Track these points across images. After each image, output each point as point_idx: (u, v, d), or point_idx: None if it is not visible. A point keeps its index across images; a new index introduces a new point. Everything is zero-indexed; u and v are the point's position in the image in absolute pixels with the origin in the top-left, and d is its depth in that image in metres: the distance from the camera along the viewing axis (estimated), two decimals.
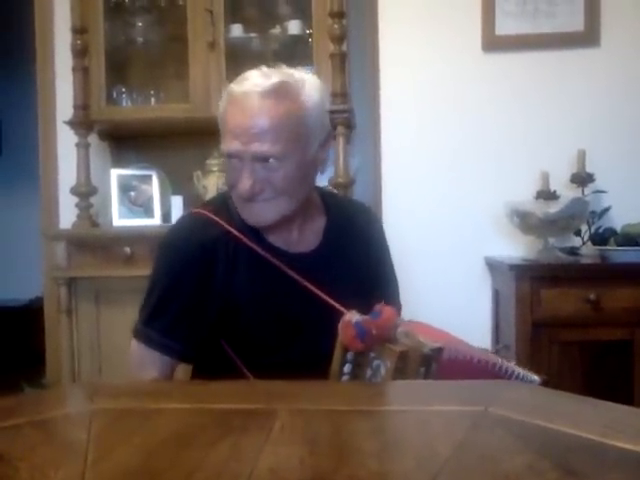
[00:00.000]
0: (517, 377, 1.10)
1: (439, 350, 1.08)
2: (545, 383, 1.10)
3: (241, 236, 1.26)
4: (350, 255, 1.35)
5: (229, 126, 1.19)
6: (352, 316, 1.09)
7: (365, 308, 1.11)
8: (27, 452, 0.69)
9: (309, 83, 1.22)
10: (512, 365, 1.14)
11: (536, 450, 0.67)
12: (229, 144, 1.18)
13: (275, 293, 1.26)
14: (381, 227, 1.50)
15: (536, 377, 1.11)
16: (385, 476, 0.64)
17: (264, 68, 1.23)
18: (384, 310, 1.09)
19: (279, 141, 1.16)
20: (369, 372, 1.08)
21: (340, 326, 1.09)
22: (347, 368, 1.09)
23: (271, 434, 0.73)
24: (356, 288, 1.28)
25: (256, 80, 1.19)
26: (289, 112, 1.17)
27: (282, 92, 1.17)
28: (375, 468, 0.65)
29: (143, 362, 1.26)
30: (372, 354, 1.08)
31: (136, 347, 1.26)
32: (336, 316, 1.13)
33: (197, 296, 1.24)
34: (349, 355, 1.09)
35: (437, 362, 1.07)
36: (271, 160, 1.16)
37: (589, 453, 0.67)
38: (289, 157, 1.18)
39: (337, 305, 1.17)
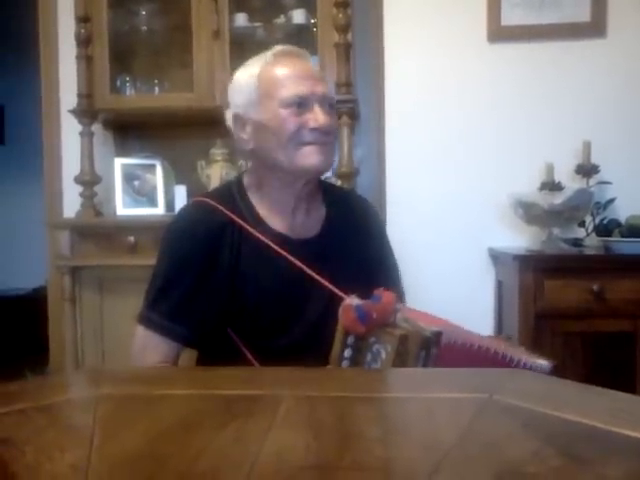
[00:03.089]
0: (523, 365, 1.10)
1: (439, 334, 1.08)
2: (555, 368, 1.10)
3: (244, 224, 1.28)
4: (350, 242, 1.37)
5: (288, 74, 1.27)
6: (353, 300, 1.10)
7: (365, 294, 1.13)
8: (32, 436, 0.70)
9: None
10: (519, 352, 1.14)
11: (541, 437, 0.67)
12: (297, 88, 1.25)
13: (279, 279, 1.28)
14: (379, 217, 1.54)
15: (544, 362, 1.10)
16: (389, 462, 0.64)
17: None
18: (384, 295, 1.10)
19: (329, 88, 1.31)
20: (369, 356, 1.09)
21: (341, 310, 1.10)
22: (347, 353, 1.10)
23: (276, 420, 0.73)
24: (356, 274, 1.31)
25: (280, 47, 1.33)
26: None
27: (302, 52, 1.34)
28: (379, 454, 0.65)
29: (146, 346, 1.27)
30: (372, 338, 1.09)
31: (140, 331, 1.27)
32: (338, 301, 1.15)
33: (202, 280, 1.25)
34: (349, 339, 1.10)
35: (437, 346, 1.08)
36: (327, 105, 1.27)
37: (594, 440, 0.67)
38: (334, 106, 1.32)
39: (338, 291, 1.19)
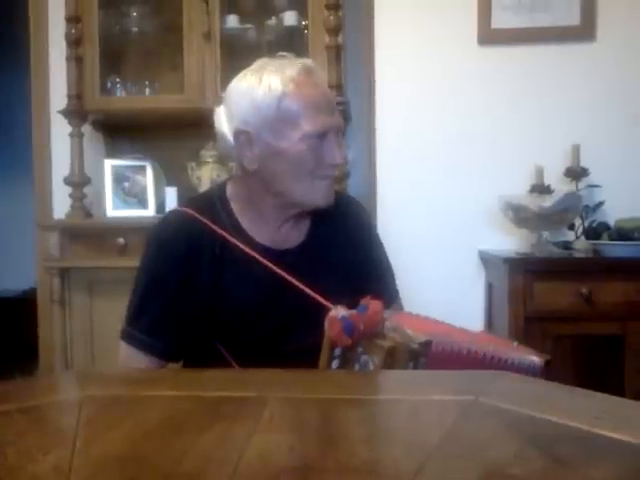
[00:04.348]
0: (513, 364, 1.09)
1: (428, 344, 1.07)
2: (547, 364, 1.09)
3: (225, 234, 1.25)
4: (337, 248, 1.35)
5: (311, 104, 1.19)
6: (338, 311, 1.07)
7: (356, 300, 1.10)
8: (15, 437, 0.69)
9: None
10: (511, 350, 1.14)
11: (525, 439, 0.68)
12: (319, 122, 1.19)
13: (262, 290, 1.26)
14: (369, 218, 1.51)
15: (536, 358, 1.10)
16: (374, 463, 0.64)
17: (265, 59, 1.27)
18: (371, 304, 1.07)
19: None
20: (357, 367, 1.07)
21: (327, 322, 1.07)
22: (335, 364, 1.08)
23: (260, 421, 0.73)
24: (345, 280, 1.29)
25: (294, 60, 1.24)
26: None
27: (314, 69, 1.25)
28: (364, 455, 0.65)
29: (130, 363, 1.25)
30: (360, 349, 1.07)
31: (123, 346, 1.26)
32: (324, 311, 1.11)
33: (181, 294, 1.23)
34: (337, 351, 1.08)
35: (425, 356, 1.07)
36: (341, 134, 1.25)
37: (577, 442, 0.67)
38: None
39: (323, 301, 1.16)
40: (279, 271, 1.23)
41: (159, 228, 1.30)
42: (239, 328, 1.25)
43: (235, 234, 1.26)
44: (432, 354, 1.07)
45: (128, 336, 1.25)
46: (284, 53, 1.28)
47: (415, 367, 1.06)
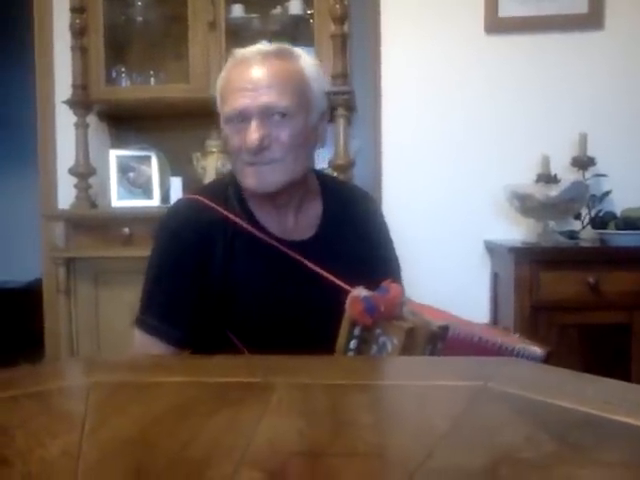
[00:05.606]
0: (517, 353, 1.09)
1: (446, 328, 1.08)
2: (549, 355, 1.09)
3: (238, 221, 1.24)
4: (347, 240, 1.33)
5: (234, 84, 1.19)
6: (360, 291, 1.09)
7: (366, 289, 1.11)
8: (24, 422, 0.69)
9: (307, 56, 1.26)
10: (514, 340, 1.14)
11: (534, 423, 0.67)
12: (236, 102, 1.18)
13: (274, 277, 1.25)
14: (380, 211, 1.50)
15: (538, 350, 1.10)
16: (382, 448, 0.63)
17: (263, 42, 1.25)
18: (392, 287, 1.09)
19: (285, 94, 1.17)
20: (375, 349, 1.08)
21: (348, 301, 1.09)
22: (353, 344, 1.09)
23: (269, 407, 0.73)
24: (353, 273, 1.27)
25: (257, 47, 1.22)
26: (292, 69, 1.20)
27: (283, 53, 1.22)
28: (372, 440, 0.65)
29: (145, 351, 1.25)
30: (378, 330, 1.08)
31: (137, 335, 1.25)
32: (335, 297, 1.12)
33: (194, 281, 1.23)
34: (356, 330, 1.09)
35: (443, 340, 1.08)
36: (277, 115, 1.17)
37: (588, 426, 0.66)
38: (294, 114, 1.19)
39: (339, 282, 1.17)
40: (290, 256, 1.23)
41: (171, 216, 1.30)
42: (251, 315, 1.25)
43: (248, 221, 1.26)
44: (448, 339, 1.08)
45: (142, 324, 1.25)
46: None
47: (433, 350, 1.07)
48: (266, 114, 1.17)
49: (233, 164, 1.26)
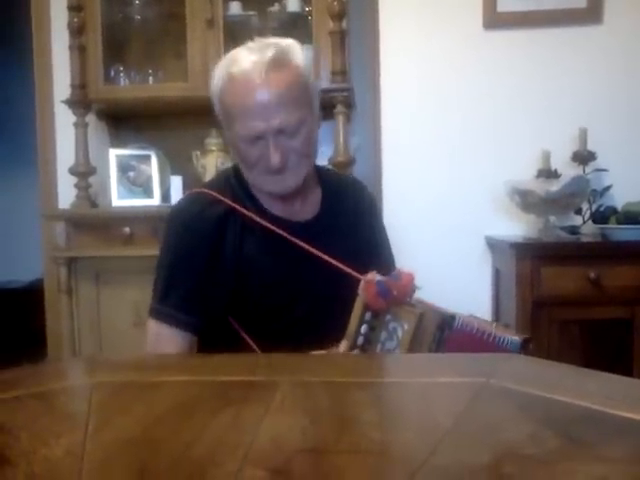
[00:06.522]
0: (494, 339, 1.10)
1: (453, 317, 1.10)
2: (527, 341, 1.09)
3: (246, 211, 1.29)
4: (345, 224, 1.39)
5: (242, 109, 1.20)
6: (374, 276, 1.12)
7: (361, 274, 1.15)
8: (28, 422, 0.69)
9: (293, 46, 1.26)
10: (492, 328, 1.14)
11: (538, 420, 0.67)
12: (251, 126, 1.20)
13: (282, 261, 1.30)
14: (372, 198, 1.55)
15: (516, 337, 1.10)
16: (386, 445, 0.63)
17: (249, 44, 1.25)
18: (403, 274, 1.12)
19: (295, 109, 1.20)
20: (384, 335, 1.11)
21: (362, 285, 1.12)
22: (364, 329, 1.12)
23: (272, 405, 0.73)
24: (352, 255, 1.31)
25: (250, 57, 1.21)
26: (293, 79, 1.21)
27: (280, 62, 1.20)
28: (376, 438, 0.65)
29: (160, 339, 1.27)
30: (388, 316, 1.11)
31: (152, 325, 1.28)
32: (339, 280, 1.19)
33: (208, 270, 1.26)
34: (367, 315, 1.12)
35: (450, 329, 1.10)
36: (291, 129, 1.20)
37: (591, 422, 0.66)
38: (304, 121, 1.22)
39: (345, 268, 1.21)
40: (296, 241, 1.27)
41: (181, 210, 1.34)
42: (261, 299, 1.29)
43: (255, 210, 1.30)
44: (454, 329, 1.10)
45: (158, 313, 1.27)
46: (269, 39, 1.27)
47: (440, 337, 1.09)
48: (279, 134, 1.21)
49: (247, 171, 1.28)
